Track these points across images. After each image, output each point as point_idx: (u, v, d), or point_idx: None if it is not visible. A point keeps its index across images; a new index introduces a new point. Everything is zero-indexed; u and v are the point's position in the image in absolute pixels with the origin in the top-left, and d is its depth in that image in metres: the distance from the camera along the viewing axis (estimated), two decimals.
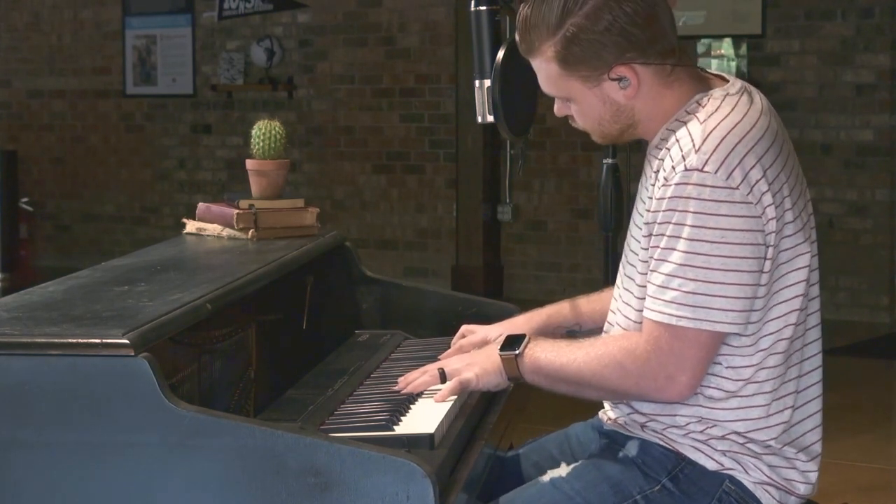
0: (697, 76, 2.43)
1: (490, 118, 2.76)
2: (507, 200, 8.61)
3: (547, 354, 2.40)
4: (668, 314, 2.25)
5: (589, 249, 8.95)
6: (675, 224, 2.25)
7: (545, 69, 2.40)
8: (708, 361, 2.28)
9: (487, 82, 2.75)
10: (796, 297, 2.33)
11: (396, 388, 2.55)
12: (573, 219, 9.21)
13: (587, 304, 2.76)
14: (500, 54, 2.73)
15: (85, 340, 2.10)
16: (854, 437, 5.75)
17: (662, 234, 2.27)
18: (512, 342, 2.45)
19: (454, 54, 8.91)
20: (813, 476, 2.39)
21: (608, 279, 3.40)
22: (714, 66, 8.37)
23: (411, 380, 2.55)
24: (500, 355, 2.43)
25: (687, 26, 8.36)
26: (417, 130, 9.66)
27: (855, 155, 8.44)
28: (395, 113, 9.72)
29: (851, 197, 8.44)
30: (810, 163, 8.10)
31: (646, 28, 2.33)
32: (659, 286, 2.27)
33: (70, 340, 2.11)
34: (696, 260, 2.23)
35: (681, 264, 2.24)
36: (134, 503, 2.09)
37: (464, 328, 2.81)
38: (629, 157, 3.38)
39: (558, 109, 2.47)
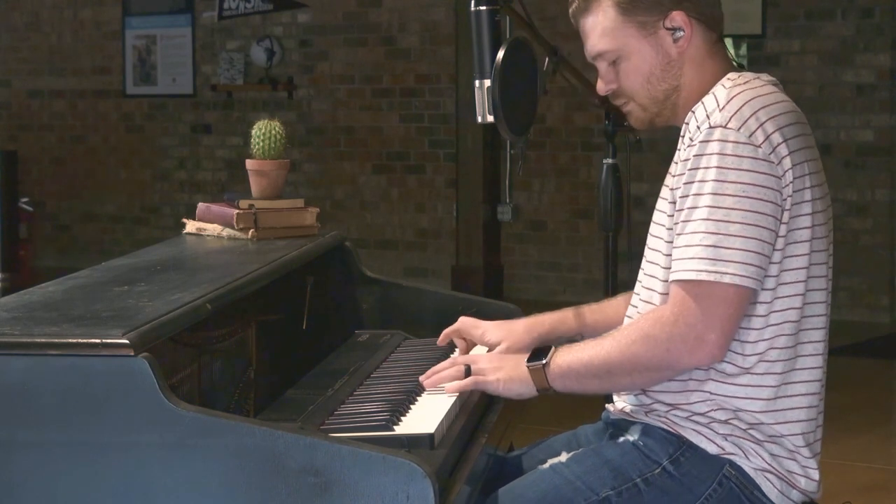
0: (732, 65, 2.50)
1: (490, 118, 2.76)
2: (507, 200, 8.58)
3: (574, 354, 2.41)
4: (690, 270, 2.27)
5: (589, 249, 8.95)
6: (698, 182, 2.30)
7: (601, 22, 2.47)
8: (736, 320, 2.29)
9: (487, 82, 2.74)
10: (799, 281, 2.35)
11: (422, 377, 2.56)
12: (573, 219, 9.21)
13: (590, 313, 2.76)
14: (500, 54, 2.73)
15: (85, 340, 2.10)
16: (854, 437, 5.75)
17: (687, 195, 2.31)
18: (538, 353, 2.46)
19: (454, 54, 8.90)
20: (814, 473, 2.39)
21: (608, 279, 3.40)
22: None
23: (438, 370, 2.55)
24: (528, 367, 2.44)
25: None
26: (417, 130, 9.66)
27: (855, 155, 8.44)
28: (395, 113, 9.72)
29: (851, 197, 8.44)
30: None
31: None
32: (684, 246, 2.30)
33: (70, 340, 2.11)
34: (717, 214, 2.27)
35: (704, 219, 2.28)
36: (134, 503, 2.09)
37: (461, 320, 2.81)
38: (629, 157, 3.38)
39: (601, 84, 2.53)
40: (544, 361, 2.42)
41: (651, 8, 2.43)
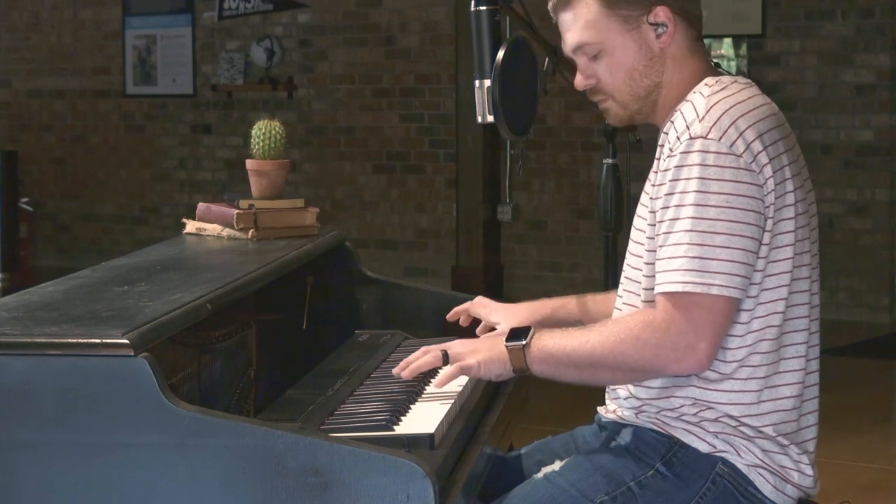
0: (711, 65, 2.49)
1: (490, 118, 2.76)
2: (507, 200, 8.59)
3: (556, 341, 2.39)
4: (678, 282, 2.27)
5: (589, 249, 8.95)
6: (679, 193, 2.29)
7: (584, 15, 2.45)
8: (724, 329, 2.29)
9: (487, 82, 2.74)
10: (782, 286, 2.35)
11: (396, 370, 2.54)
12: (573, 219, 9.21)
13: (593, 303, 2.76)
14: (500, 54, 2.73)
15: (85, 340, 2.10)
16: (854, 437, 5.75)
17: (668, 206, 2.31)
18: (517, 334, 2.44)
19: (454, 54, 8.90)
20: (807, 468, 2.40)
21: (608, 279, 3.40)
22: None
23: (412, 360, 2.53)
24: (507, 346, 2.42)
25: None
26: (417, 130, 9.66)
27: (855, 155, 8.44)
28: (395, 113, 9.72)
29: (851, 197, 8.44)
30: (810, 163, 7.99)
31: None
32: (668, 258, 2.29)
33: (70, 340, 2.11)
34: (701, 225, 2.26)
35: (687, 230, 2.27)
36: (134, 503, 2.09)
37: (477, 299, 2.83)
38: (629, 156, 3.38)
39: (580, 79, 2.51)
40: (524, 342, 2.40)
41: (635, 2, 2.42)
